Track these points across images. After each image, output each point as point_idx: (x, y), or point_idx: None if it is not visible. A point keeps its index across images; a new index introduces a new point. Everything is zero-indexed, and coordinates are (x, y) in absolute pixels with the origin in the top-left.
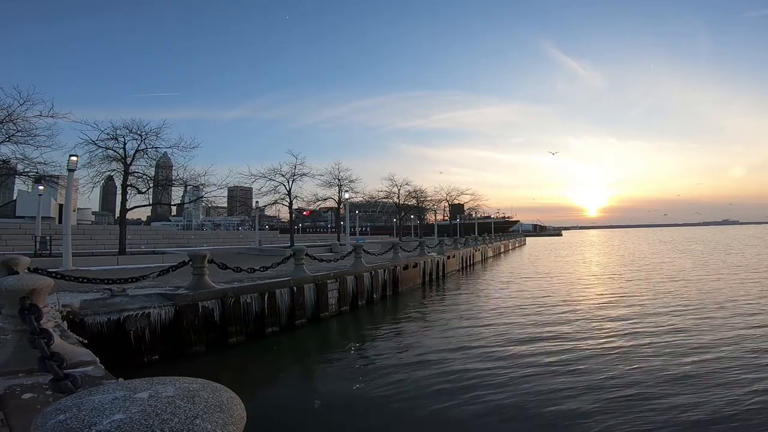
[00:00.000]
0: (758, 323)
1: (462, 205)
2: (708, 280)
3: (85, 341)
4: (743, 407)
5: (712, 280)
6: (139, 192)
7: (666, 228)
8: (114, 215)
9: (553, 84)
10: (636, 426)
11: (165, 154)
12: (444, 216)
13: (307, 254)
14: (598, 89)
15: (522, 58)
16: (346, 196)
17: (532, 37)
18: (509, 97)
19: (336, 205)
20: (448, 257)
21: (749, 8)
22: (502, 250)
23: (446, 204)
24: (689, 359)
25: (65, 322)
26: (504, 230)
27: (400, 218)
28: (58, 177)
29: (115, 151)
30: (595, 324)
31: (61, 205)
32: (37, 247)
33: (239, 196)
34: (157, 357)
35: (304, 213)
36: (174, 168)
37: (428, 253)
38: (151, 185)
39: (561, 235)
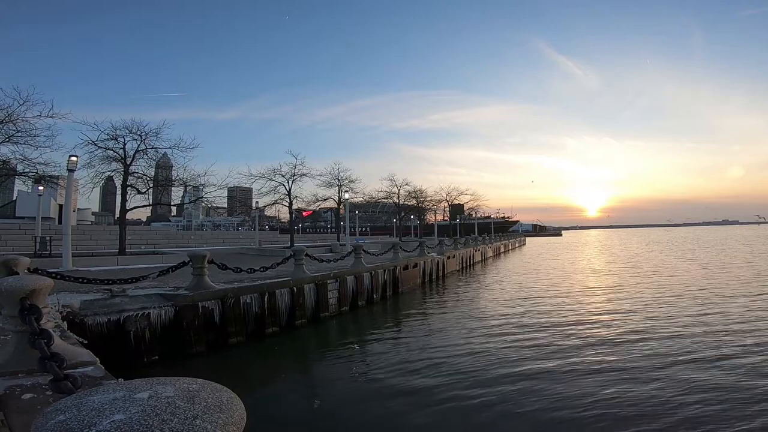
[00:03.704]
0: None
1: (462, 206)
2: (696, 275)
3: (85, 342)
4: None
5: (705, 277)
6: (139, 192)
7: (665, 228)
8: (114, 215)
9: (550, 84)
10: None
11: (165, 154)
12: (444, 216)
13: (307, 254)
14: (595, 89)
15: (517, 58)
16: (346, 196)
17: (526, 36)
18: (506, 98)
19: (336, 206)
20: (448, 257)
21: (743, 7)
22: (502, 250)
23: (446, 204)
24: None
25: (65, 322)
26: (504, 230)
27: (400, 218)
28: (58, 177)
29: (114, 151)
30: (593, 320)
31: (61, 206)
32: (37, 247)
33: (239, 197)
34: (157, 357)
35: (304, 213)
36: (174, 168)
37: (428, 253)
38: (151, 185)
39: (561, 235)
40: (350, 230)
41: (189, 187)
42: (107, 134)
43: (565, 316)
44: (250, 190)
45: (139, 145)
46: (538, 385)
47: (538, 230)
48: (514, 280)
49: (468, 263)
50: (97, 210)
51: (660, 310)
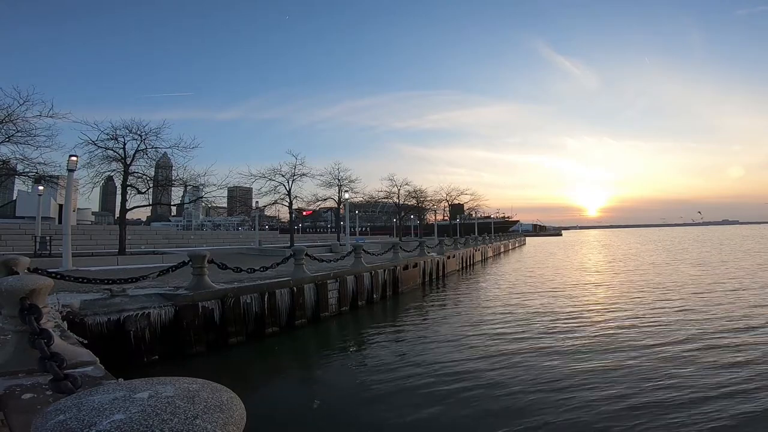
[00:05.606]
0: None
1: (462, 205)
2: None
3: (85, 341)
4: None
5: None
6: (139, 192)
7: (664, 228)
8: (114, 215)
9: (549, 84)
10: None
11: (165, 154)
12: (444, 216)
13: (307, 254)
14: (594, 89)
15: (516, 58)
16: (346, 196)
17: (526, 36)
18: (506, 98)
19: (336, 205)
20: (448, 257)
21: (741, 6)
22: (502, 250)
23: (446, 204)
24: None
25: (65, 322)
26: (504, 230)
27: (400, 218)
28: (58, 177)
29: (114, 151)
30: (590, 319)
31: (61, 205)
32: (37, 247)
33: (239, 196)
34: (157, 357)
35: (304, 213)
36: (174, 168)
37: (428, 253)
38: (151, 185)
39: (561, 235)
40: (350, 230)
41: (189, 187)
42: (107, 134)
43: (566, 315)
44: (250, 190)
45: (139, 145)
46: (539, 384)
47: (538, 230)
48: (514, 279)
49: (468, 263)
50: (97, 210)
51: (652, 304)
